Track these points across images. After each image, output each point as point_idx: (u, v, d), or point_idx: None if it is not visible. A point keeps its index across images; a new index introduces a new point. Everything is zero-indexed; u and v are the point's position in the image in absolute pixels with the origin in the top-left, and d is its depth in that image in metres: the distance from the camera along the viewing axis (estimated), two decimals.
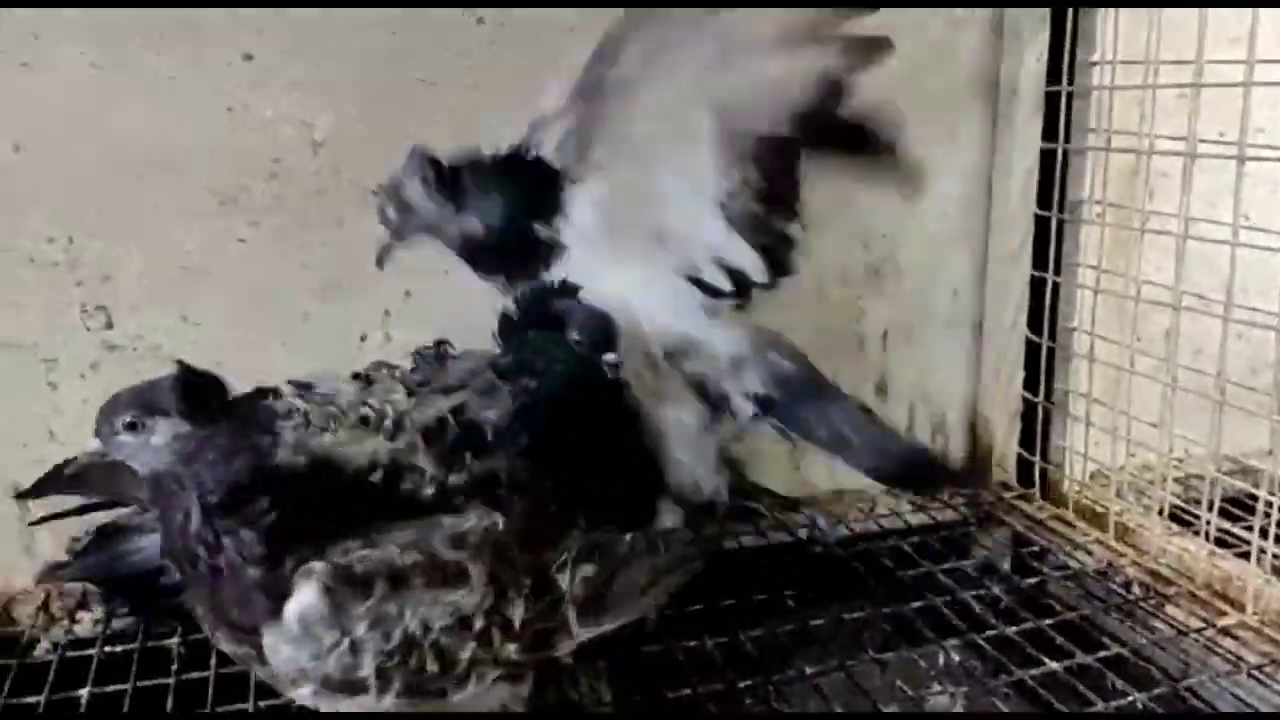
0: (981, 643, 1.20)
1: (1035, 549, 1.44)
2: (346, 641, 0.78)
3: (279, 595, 0.78)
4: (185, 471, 0.79)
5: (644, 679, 1.16)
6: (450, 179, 1.09)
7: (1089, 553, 1.40)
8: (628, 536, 0.95)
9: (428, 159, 1.10)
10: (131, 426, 0.78)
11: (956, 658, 1.20)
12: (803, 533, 1.46)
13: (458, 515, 0.89)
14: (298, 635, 0.78)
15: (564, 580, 0.90)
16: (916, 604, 1.27)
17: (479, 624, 0.83)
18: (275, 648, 0.79)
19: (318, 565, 0.79)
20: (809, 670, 1.14)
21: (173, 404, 0.78)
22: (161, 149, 1.23)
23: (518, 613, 0.85)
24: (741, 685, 1.12)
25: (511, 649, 0.85)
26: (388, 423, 0.90)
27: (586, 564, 0.91)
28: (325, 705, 0.82)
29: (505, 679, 0.87)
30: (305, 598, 0.78)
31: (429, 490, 0.88)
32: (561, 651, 0.90)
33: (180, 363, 0.81)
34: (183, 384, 0.79)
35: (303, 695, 0.82)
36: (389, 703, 0.81)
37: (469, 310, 1.30)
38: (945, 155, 1.51)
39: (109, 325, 1.26)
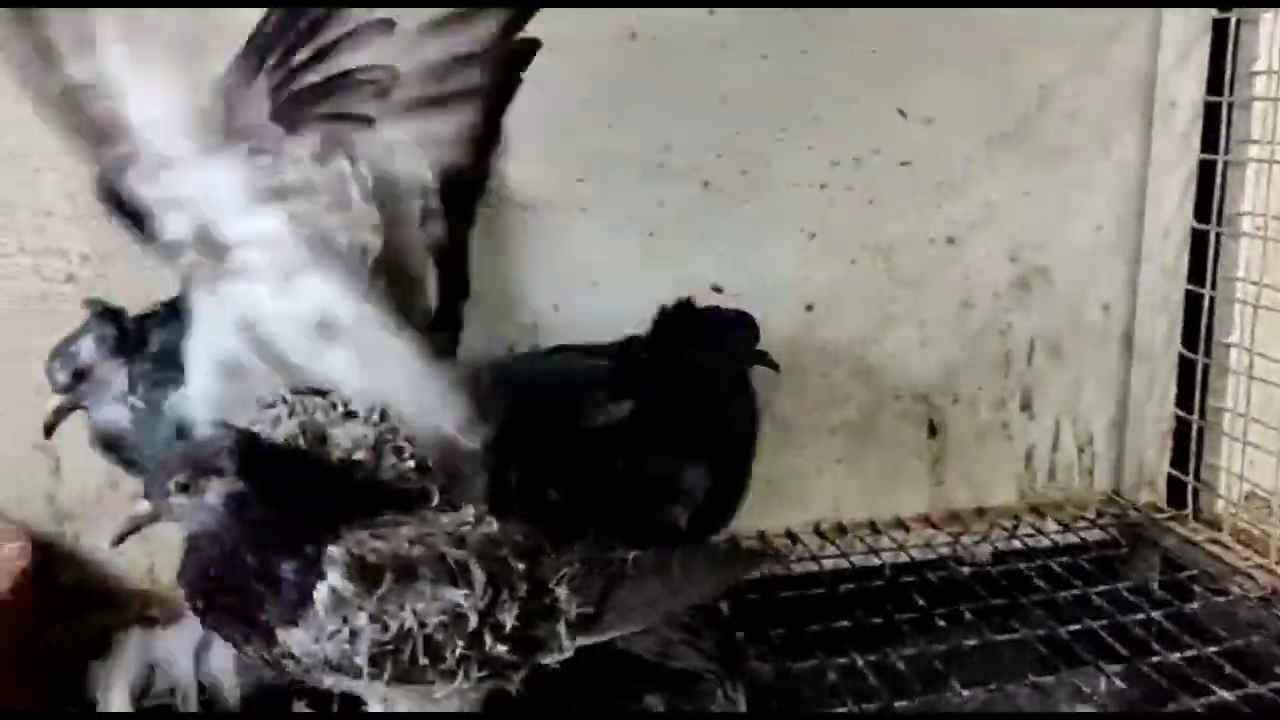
0: (1145, 669, 1.16)
1: (1190, 573, 1.40)
2: (347, 630, 0.80)
3: (307, 587, 0.80)
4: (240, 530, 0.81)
5: (792, 694, 1.16)
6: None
7: (1250, 578, 1.35)
8: (631, 555, 0.94)
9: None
10: (184, 488, 0.80)
11: (1120, 684, 1.17)
12: (946, 550, 1.44)
13: (455, 513, 0.92)
14: (321, 620, 0.80)
15: (561, 592, 0.90)
16: (1072, 626, 1.24)
17: (473, 624, 0.84)
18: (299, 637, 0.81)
19: (337, 552, 0.81)
20: (966, 693, 1.12)
21: (227, 464, 0.80)
22: None
23: (510, 618, 0.86)
24: (898, 705, 1.11)
25: (501, 650, 0.86)
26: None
27: (584, 579, 0.91)
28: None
29: (491, 678, 0.88)
30: (330, 583, 0.80)
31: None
32: (549, 660, 0.91)
33: (228, 425, 0.87)
34: (237, 445, 0.82)
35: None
36: (379, 688, 0.85)
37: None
38: (1100, 167, 1.47)
39: None
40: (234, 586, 0.81)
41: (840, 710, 1.11)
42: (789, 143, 1.37)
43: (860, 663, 1.17)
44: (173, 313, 1.03)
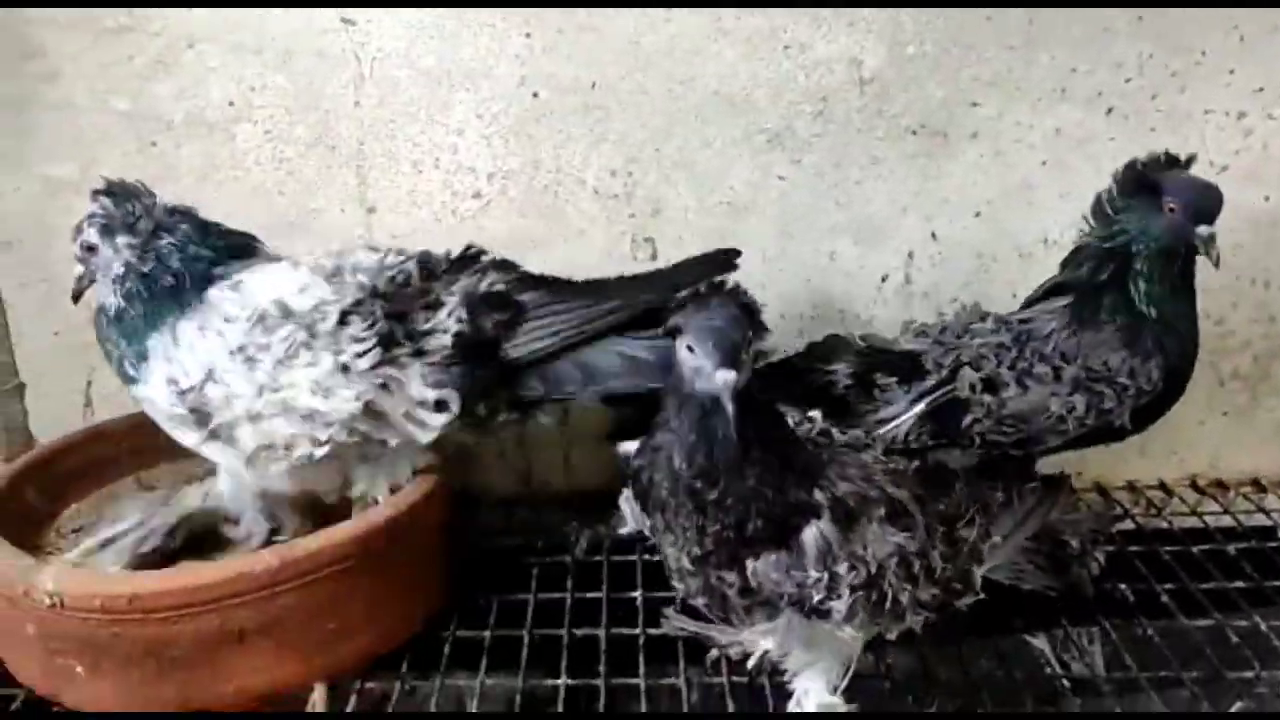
0: None
1: None
2: (828, 573, 0.81)
3: (783, 521, 0.82)
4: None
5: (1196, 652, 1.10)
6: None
7: None
8: (999, 491, 0.95)
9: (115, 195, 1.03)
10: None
11: None
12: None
13: (869, 448, 0.94)
14: (797, 561, 0.81)
15: (969, 534, 0.90)
16: None
17: (915, 565, 0.84)
18: (766, 571, 0.82)
19: (821, 495, 0.82)
20: None
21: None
22: (719, 90, 1.26)
23: (938, 558, 0.86)
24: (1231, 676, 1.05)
25: (930, 594, 0.86)
26: None
27: (979, 517, 0.92)
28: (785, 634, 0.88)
29: (916, 617, 0.89)
30: (818, 528, 0.82)
31: None
32: (963, 602, 0.91)
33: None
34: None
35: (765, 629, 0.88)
36: (848, 632, 0.85)
37: (993, 249, 1.28)
38: None
39: (654, 256, 1.32)
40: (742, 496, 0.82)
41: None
42: (1207, 67, 1.26)
43: (1264, 626, 1.11)
44: (198, 234, 1.03)
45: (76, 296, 1.07)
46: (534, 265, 1.24)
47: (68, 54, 1.24)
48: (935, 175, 1.30)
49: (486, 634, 1.12)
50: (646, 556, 1.25)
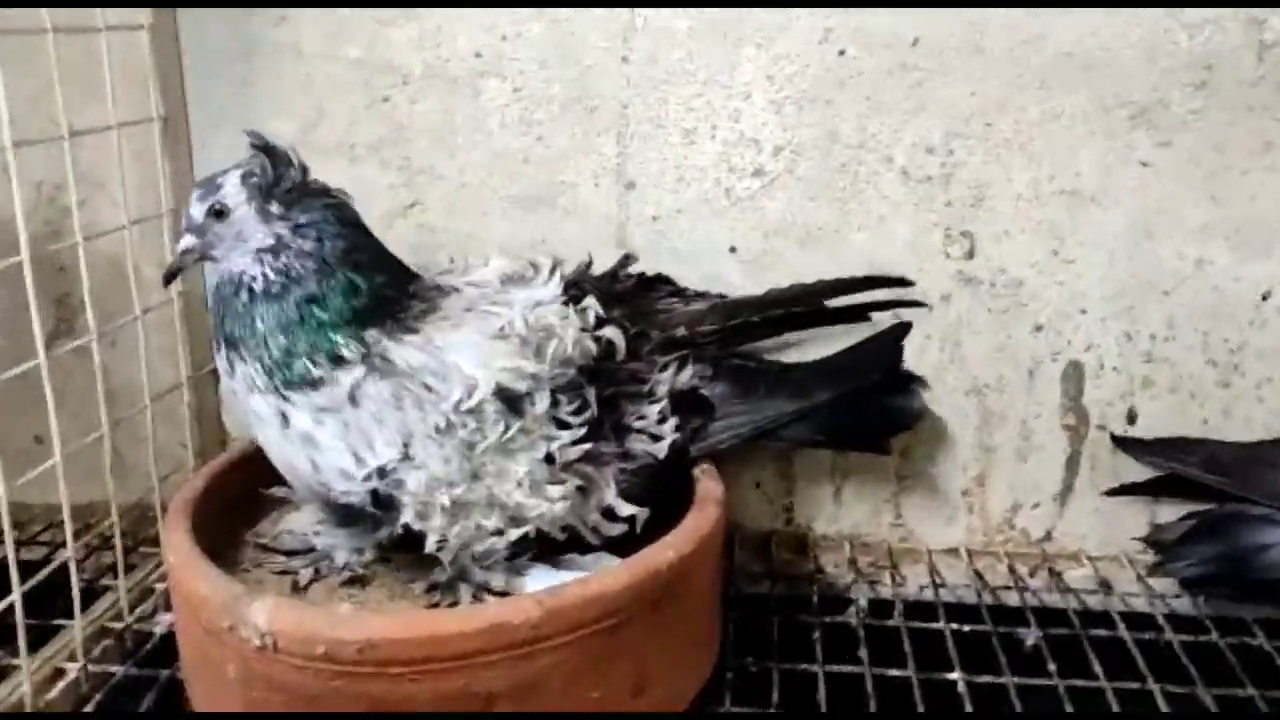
0: None
1: None
2: None
3: None
4: None
5: None
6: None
7: None
8: None
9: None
10: None
11: None
12: None
13: None
14: None
15: None
16: None
17: None
18: None
19: None
20: None
21: None
22: (1073, 52, 1.01)
23: None
24: None
25: None
26: None
27: None
28: None
29: None
30: None
31: None
32: None
33: None
34: None
35: None
36: None
37: None
38: None
39: (970, 254, 1.07)
40: None
41: None
42: None
43: None
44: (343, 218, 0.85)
45: (173, 276, 0.89)
46: (821, 259, 1.04)
47: None
48: None
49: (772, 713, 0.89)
50: (954, 625, 1.00)
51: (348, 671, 0.73)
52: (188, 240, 0.85)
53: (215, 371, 1.14)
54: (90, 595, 1.00)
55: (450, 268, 0.94)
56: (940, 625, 1.02)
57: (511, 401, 0.82)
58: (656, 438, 0.89)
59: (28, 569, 0.85)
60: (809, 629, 1.01)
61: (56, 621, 0.94)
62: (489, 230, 1.10)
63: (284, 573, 0.89)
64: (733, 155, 1.07)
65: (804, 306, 1.01)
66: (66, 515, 0.89)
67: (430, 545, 0.83)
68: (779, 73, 1.05)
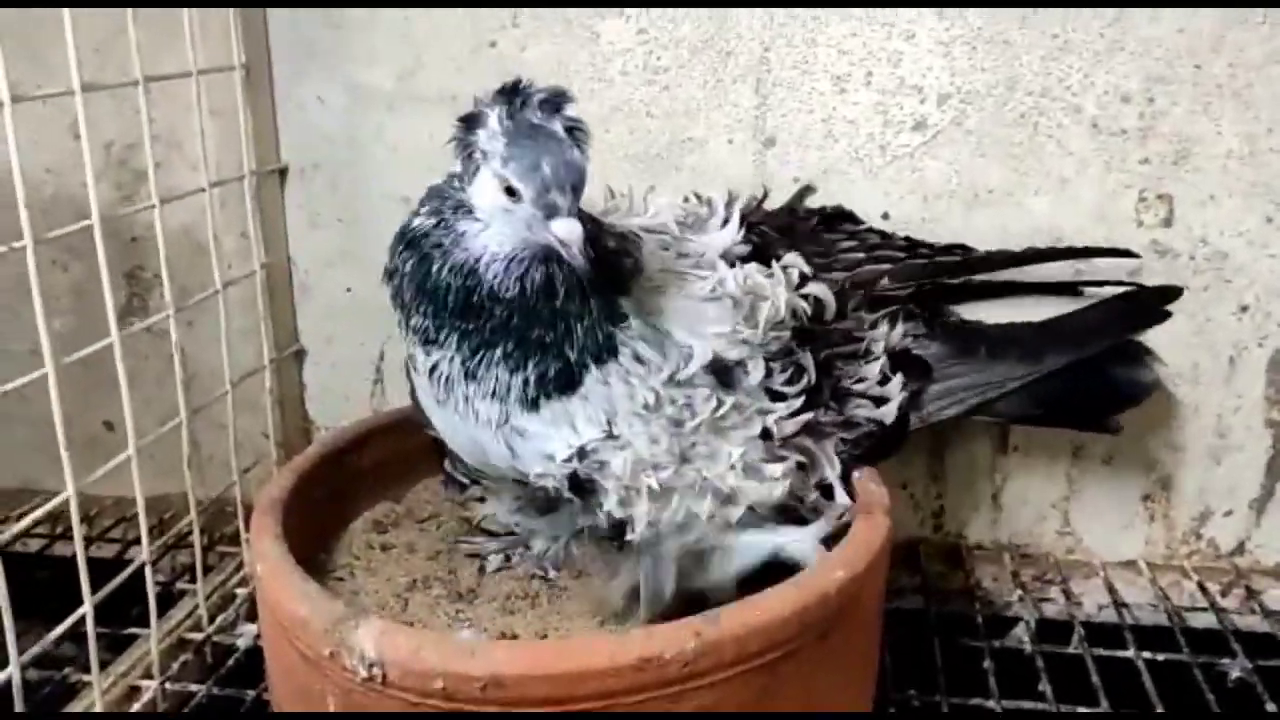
0: None
1: None
2: None
3: None
4: None
5: None
6: None
7: None
8: None
9: None
10: None
11: None
12: None
13: None
14: None
15: None
16: None
17: None
18: None
19: None
20: None
21: None
22: None
23: None
24: None
25: None
26: None
27: None
28: None
29: None
30: None
31: None
32: None
33: None
34: None
35: None
36: None
37: None
38: None
39: (1167, 221, 0.92)
40: None
41: None
42: None
43: None
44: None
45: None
46: (988, 227, 0.90)
47: None
48: None
49: None
50: (1147, 654, 0.86)
51: (468, 712, 0.61)
52: None
53: (299, 354, 1.04)
54: (166, 601, 0.90)
55: (610, 206, 0.79)
56: (1129, 653, 0.87)
57: (723, 373, 0.70)
58: (881, 400, 0.76)
59: (97, 570, 0.74)
60: (975, 655, 0.87)
61: (129, 630, 0.84)
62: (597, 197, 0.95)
63: (473, 555, 0.81)
64: (891, 105, 0.93)
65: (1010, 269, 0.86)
66: (141, 513, 0.78)
67: (635, 534, 0.70)
68: (950, 9, 0.90)
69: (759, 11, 0.92)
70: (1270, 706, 0.82)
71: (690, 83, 0.95)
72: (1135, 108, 0.90)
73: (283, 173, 1.03)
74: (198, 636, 0.88)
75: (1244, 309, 0.93)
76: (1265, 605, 0.97)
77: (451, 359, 0.68)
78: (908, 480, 1.03)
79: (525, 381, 0.67)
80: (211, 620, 0.89)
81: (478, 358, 0.68)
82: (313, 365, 1.09)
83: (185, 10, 0.84)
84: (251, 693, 0.80)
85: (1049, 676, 0.85)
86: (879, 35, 0.92)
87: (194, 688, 0.82)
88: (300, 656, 0.66)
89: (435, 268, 0.67)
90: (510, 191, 0.63)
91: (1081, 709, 0.81)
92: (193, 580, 0.89)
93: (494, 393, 0.68)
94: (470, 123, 0.65)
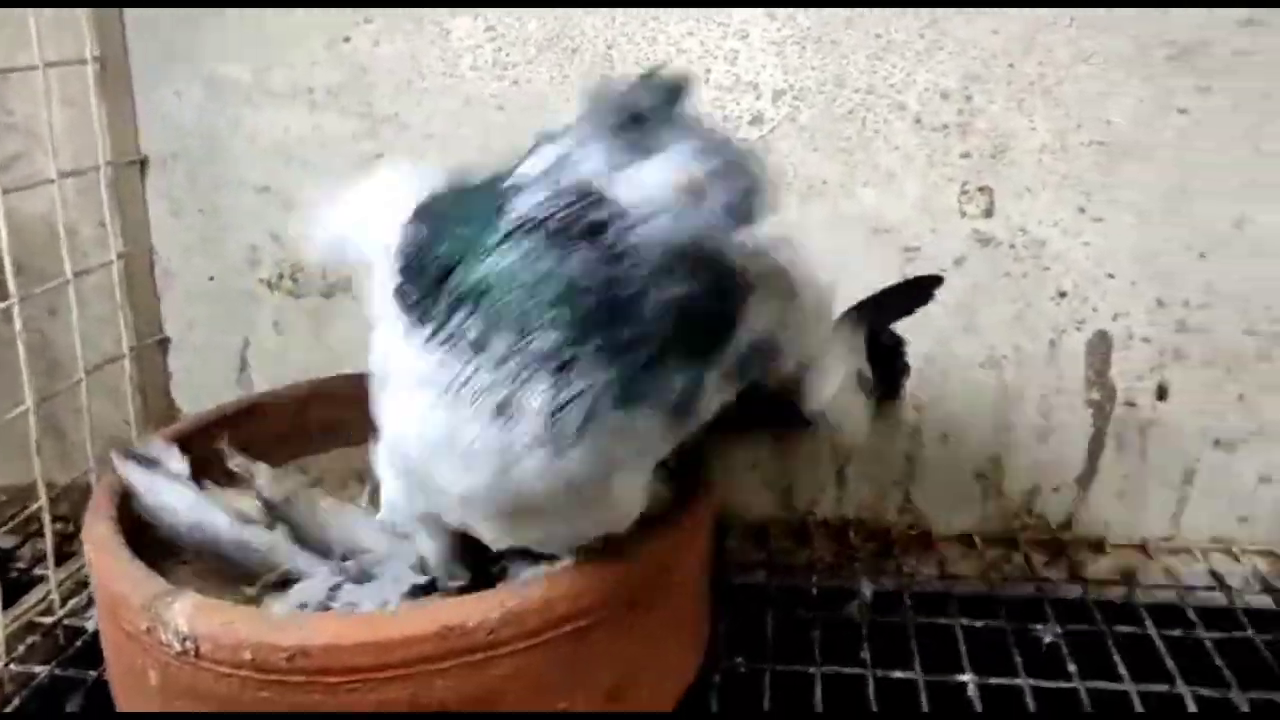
0: None
1: None
2: None
3: None
4: None
5: None
6: None
7: None
8: None
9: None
10: None
11: None
12: None
13: None
14: None
15: None
16: None
17: None
18: None
19: None
20: None
21: None
22: None
23: None
24: None
25: None
26: None
27: None
28: None
29: None
30: None
31: None
32: None
33: None
34: None
35: None
36: None
37: None
38: None
39: (988, 212, 0.97)
40: None
41: None
42: None
43: None
44: None
45: None
46: (821, 219, 0.93)
47: None
48: None
49: None
50: (965, 620, 0.91)
51: (279, 681, 0.64)
52: None
53: (162, 342, 1.06)
54: (21, 587, 0.91)
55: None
56: (949, 620, 0.93)
57: None
58: None
59: None
60: (806, 626, 0.92)
61: None
62: None
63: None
64: (728, 101, 0.98)
65: None
66: None
67: None
68: (782, 9, 0.94)
69: (601, 11, 0.96)
70: (1071, 666, 0.87)
71: (539, 77, 0.99)
72: (954, 104, 0.95)
73: (143, 164, 1.04)
74: (48, 620, 0.89)
75: (1062, 294, 0.99)
76: (1085, 575, 1.02)
77: None
78: (757, 461, 1.07)
79: None
80: (64, 604, 0.91)
81: None
82: (177, 353, 1.11)
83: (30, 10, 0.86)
84: (93, 673, 0.82)
85: (871, 645, 0.90)
86: (715, 34, 0.96)
87: (38, 669, 0.84)
88: (124, 633, 0.69)
89: None
90: None
91: (896, 673, 0.86)
92: (47, 567, 0.91)
93: None
94: None
